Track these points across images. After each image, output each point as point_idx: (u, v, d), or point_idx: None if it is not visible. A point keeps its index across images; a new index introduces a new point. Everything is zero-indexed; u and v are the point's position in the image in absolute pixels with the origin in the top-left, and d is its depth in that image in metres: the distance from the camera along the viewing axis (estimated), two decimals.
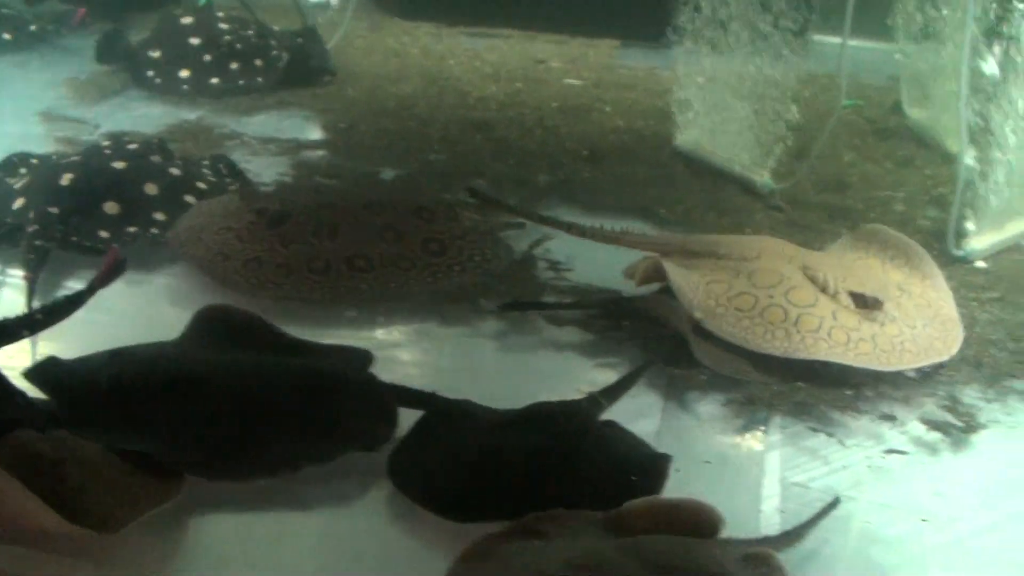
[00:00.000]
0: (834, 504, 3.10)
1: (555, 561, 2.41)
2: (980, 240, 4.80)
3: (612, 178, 5.42)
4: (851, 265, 3.96)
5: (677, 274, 3.76)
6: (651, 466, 3.08)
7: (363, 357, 3.51)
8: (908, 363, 3.55)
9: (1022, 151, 4.78)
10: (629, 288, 4.27)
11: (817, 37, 7.84)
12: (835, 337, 3.52)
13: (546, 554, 2.47)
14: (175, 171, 4.67)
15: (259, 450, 2.93)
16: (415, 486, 2.92)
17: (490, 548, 2.57)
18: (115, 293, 3.68)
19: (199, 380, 3.06)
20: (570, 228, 4.40)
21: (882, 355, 3.52)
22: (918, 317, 3.73)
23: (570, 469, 2.96)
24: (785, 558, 2.91)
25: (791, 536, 2.92)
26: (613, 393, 3.52)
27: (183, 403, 2.98)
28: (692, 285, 3.72)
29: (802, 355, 3.51)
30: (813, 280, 3.71)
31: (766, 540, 2.85)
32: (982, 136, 4.75)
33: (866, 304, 3.62)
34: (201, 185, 4.67)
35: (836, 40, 8.15)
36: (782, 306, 3.60)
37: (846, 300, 3.65)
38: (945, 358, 3.65)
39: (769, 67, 5.38)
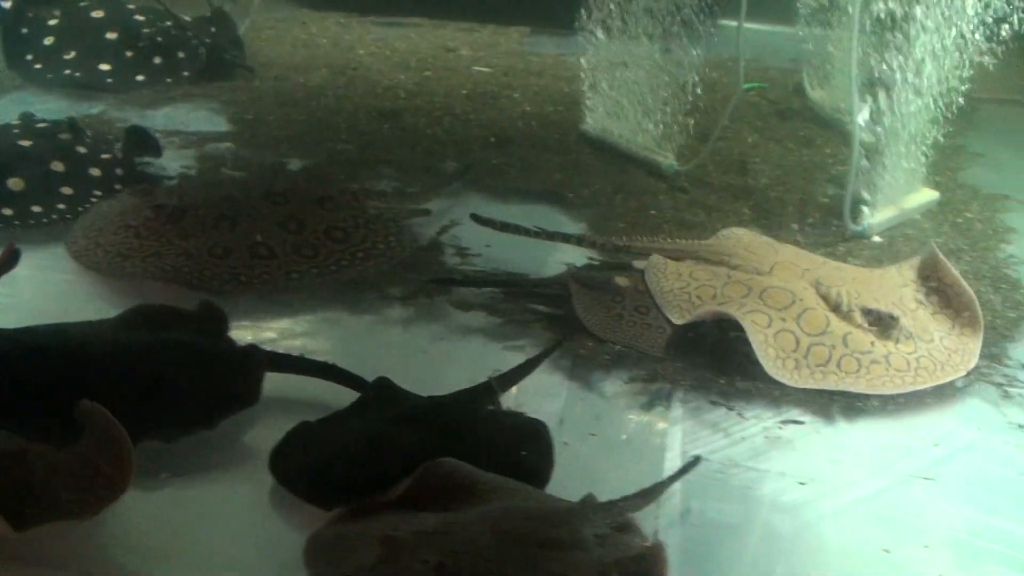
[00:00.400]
0: (694, 463, 3.18)
1: (409, 524, 2.47)
2: (877, 216, 4.95)
3: (519, 163, 5.45)
4: (866, 275, 3.90)
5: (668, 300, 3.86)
6: (532, 452, 3.11)
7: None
8: (924, 382, 3.49)
9: (914, 130, 4.95)
10: (536, 272, 4.33)
11: (724, 22, 8.04)
12: (845, 367, 3.48)
13: (403, 518, 2.54)
14: (82, 149, 4.62)
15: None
16: (293, 478, 2.92)
17: (355, 514, 2.69)
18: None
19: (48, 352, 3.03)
20: (580, 241, 4.41)
21: (896, 376, 3.46)
22: (936, 329, 3.67)
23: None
24: (682, 527, 3.02)
25: (648, 494, 2.96)
26: (511, 379, 3.53)
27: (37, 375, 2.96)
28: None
29: (811, 386, 3.49)
30: (826, 298, 3.68)
31: (624, 500, 2.88)
32: (876, 115, 4.88)
33: (880, 321, 3.57)
34: (107, 157, 4.66)
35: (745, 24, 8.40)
36: (793, 333, 3.56)
37: (859, 319, 3.60)
38: (962, 373, 3.57)
39: (674, 52, 5.45)
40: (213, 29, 6.73)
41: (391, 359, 3.74)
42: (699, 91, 5.34)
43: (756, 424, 3.54)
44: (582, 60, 5.82)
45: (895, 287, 3.82)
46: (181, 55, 6.43)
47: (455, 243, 4.57)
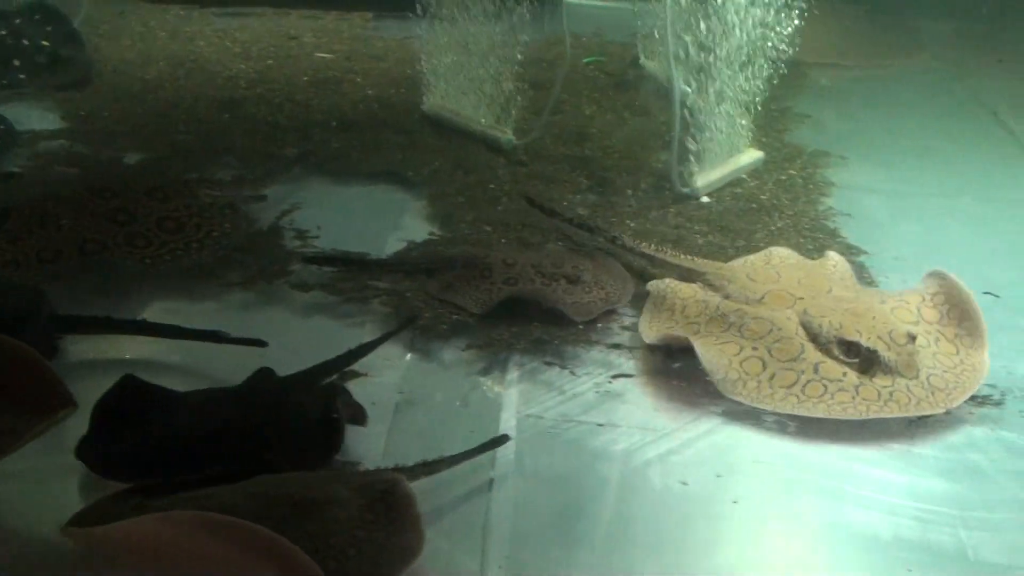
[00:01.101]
0: (500, 441, 3.25)
1: (178, 502, 2.56)
2: (704, 177, 5.16)
3: (361, 146, 5.50)
4: (865, 305, 3.69)
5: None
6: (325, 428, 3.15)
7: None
8: (890, 413, 3.33)
9: (739, 94, 5.18)
10: (378, 252, 4.40)
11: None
12: (809, 391, 3.38)
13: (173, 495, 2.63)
14: None
15: None
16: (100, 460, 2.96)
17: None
18: None
19: None
20: (613, 240, 4.40)
21: (861, 404, 3.33)
22: (929, 367, 3.48)
23: (252, 442, 3.03)
24: (516, 481, 3.14)
25: (430, 466, 3.04)
26: (344, 362, 3.58)
27: None
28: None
29: (768, 407, 3.40)
30: (808, 327, 3.58)
31: (407, 469, 2.96)
32: (699, 81, 5.09)
33: (859, 354, 3.45)
34: None
35: (587, 1, 8.62)
36: (763, 359, 3.49)
37: (836, 351, 3.48)
38: (939, 411, 3.37)
39: (511, 31, 5.56)
40: (38, 17, 6.48)
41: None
42: (536, 67, 5.46)
43: (588, 381, 3.69)
44: (423, 42, 5.89)
45: (889, 318, 3.61)
46: (16, 63, 6.21)
47: (295, 227, 4.60)
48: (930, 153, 6.01)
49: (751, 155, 5.51)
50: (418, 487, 2.86)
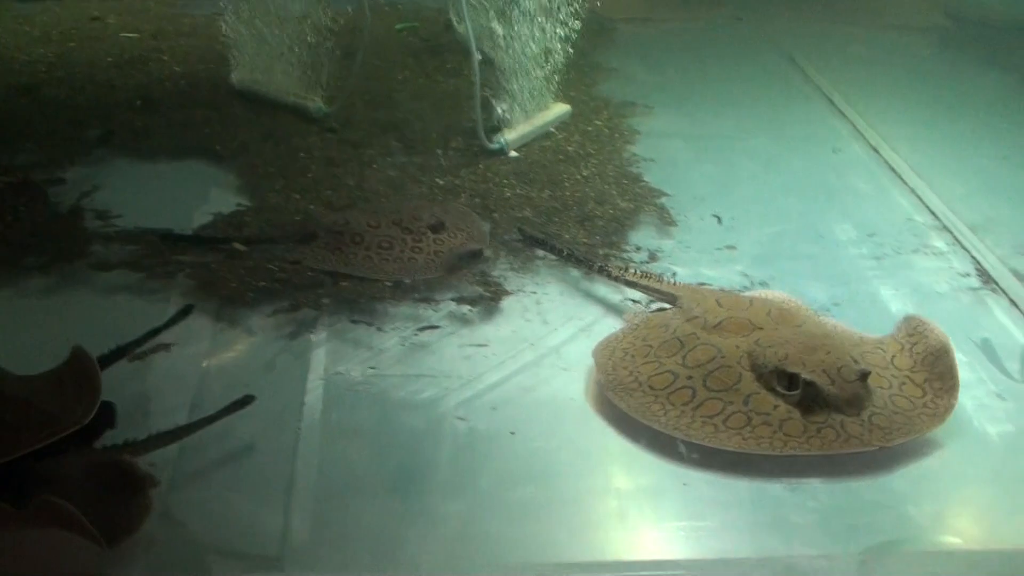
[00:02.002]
0: (245, 401, 3.17)
1: None
2: (512, 133, 5.27)
3: (167, 123, 5.40)
4: (823, 343, 3.34)
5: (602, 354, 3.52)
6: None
7: None
8: (810, 449, 3.06)
9: (546, 50, 5.30)
10: (183, 227, 4.34)
11: None
12: (731, 423, 3.13)
13: None
14: None
15: None
16: None
17: None
18: None
19: None
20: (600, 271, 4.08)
21: (779, 440, 3.08)
22: (879, 406, 3.20)
23: None
24: (321, 437, 3.18)
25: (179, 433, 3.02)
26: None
27: None
28: (611, 364, 3.46)
29: (681, 435, 3.15)
30: (752, 357, 3.31)
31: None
32: (504, 39, 5.18)
33: (796, 386, 3.16)
34: None
35: None
36: (693, 388, 3.28)
37: (776, 382, 3.21)
38: (869, 448, 3.07)
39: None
40: None
41: (34, 330, 3.69)
42: (356, 35, 5.45)
43: (395, 335, 3.75)
44: (229, 14, 5.81)
45: (847, 355, 3.28)
46: None
47: (95, 208, 4.50)
48: (730, 99, 6.28)
49: (559, 109, 5.64)
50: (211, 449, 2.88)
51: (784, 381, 3.18)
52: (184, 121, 5.45)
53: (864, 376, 3.18)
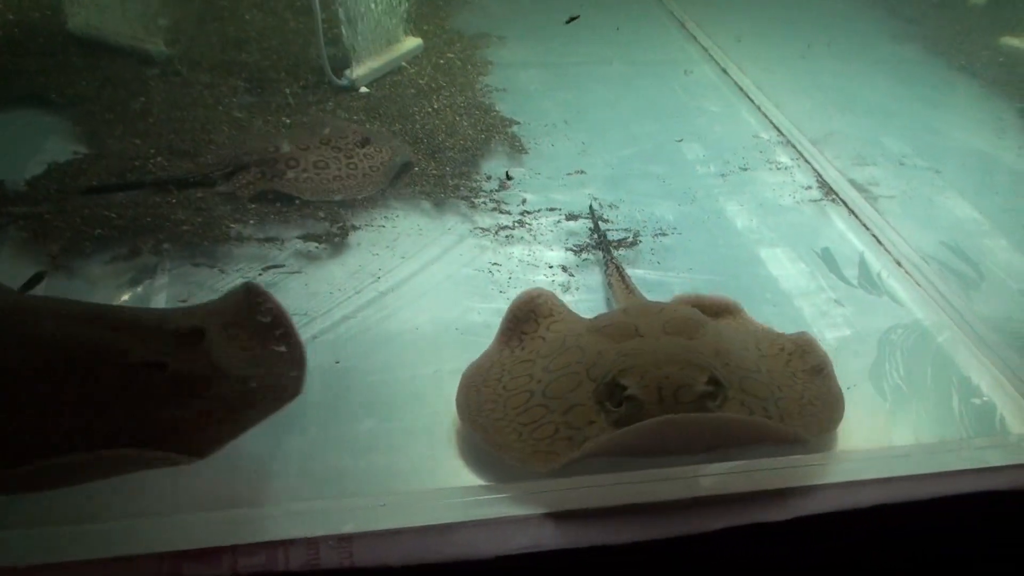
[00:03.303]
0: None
1: None
2: (360, 69, 5.17)
3: None
4: (694, 356, 2.83)
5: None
6: None
7: None
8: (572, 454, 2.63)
9: None
10: (16, 178, 4.15)
11: None
12: (538, 432, 2.74)
13: None
14: None
15: None
16: None
17: None
18: None
19: None
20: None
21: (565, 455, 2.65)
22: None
23: None
24: None
25: None
26: None
27: None
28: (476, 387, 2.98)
29: (481, 437, 2.80)
30: (600, 366, 2.85)
31: None
32: None
33: (620, 402, 2.68)
34: None
35: None
36: (531, 391, 2.91)
37: (604, 395, 2.77)
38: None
39: None
40: None
41: None
42: None
43: (239, 276, 3.66)
44: None
45: (711, 373, 2.76)
46: None
47: None
48: (585, 27, 6.23)
49: (410, 43, 5.56)
50: None
51: (613, 395, 2.72)
52: (17, 70, 5.19)
53: (703, 397, 2.67)
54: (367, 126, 4.63)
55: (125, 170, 4.23)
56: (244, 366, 2.69)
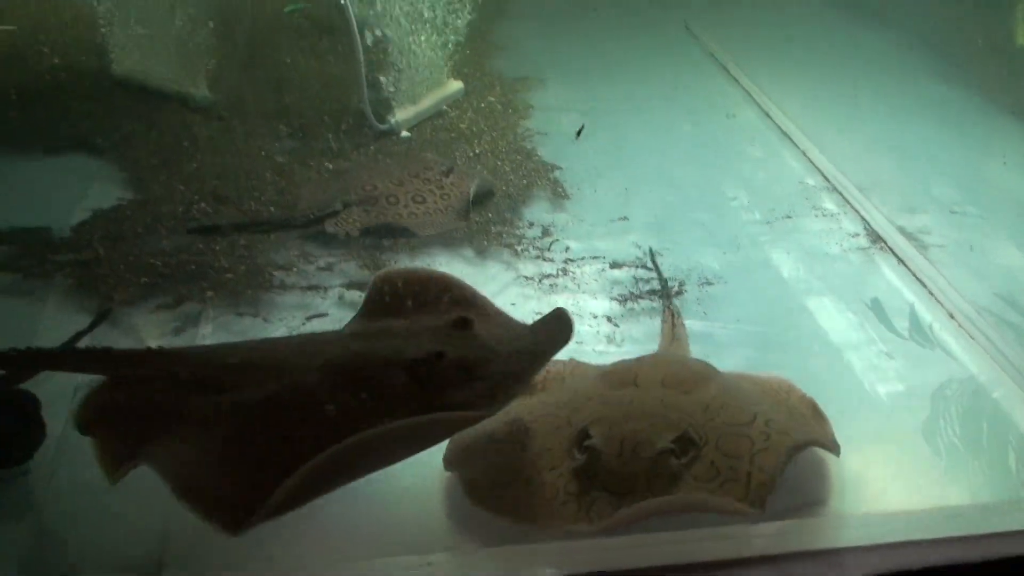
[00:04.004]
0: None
1: None
2: (403, 113, 5.19)
3: (45, 117, 5.19)
4: (670, 410, 2.77)
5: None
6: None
7: None
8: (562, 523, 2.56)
9: (423, 33, 5.22)
10: (63, 225, 4.18)
11: None
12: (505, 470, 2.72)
13: None
14: None
15: None
16: None
17: None
18: None
19: None
20: None
21: (508, 502, 2.63)
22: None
23: None
24: None
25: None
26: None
27: None
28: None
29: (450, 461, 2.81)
30: (580, 412, 2.83)
31: None
32: (386, 20, 5.09)
33: (583, 451, 2.61)
34: None
35: None
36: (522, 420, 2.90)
37: (574, 443, 2.70)
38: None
39: None
40: None
41: None
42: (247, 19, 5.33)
43: (282, 326, 3.66)
44: (110, 3, 5.61)
45: (677, 426, 2.69)
46: None
47: None
48: (625, 69, 6.28)
49: (452, 86, 5.58)
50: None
51: (580, 443, 2.66)
52: (64, 114, 5.25)
53: (664, 454, 2.58)
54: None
55: (170, 216, 4.25)
56: (511, 341, 2.82)
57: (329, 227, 4.15)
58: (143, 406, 2.57)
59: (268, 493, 2.20)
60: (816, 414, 3.00)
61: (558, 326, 2.88)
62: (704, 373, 3.01)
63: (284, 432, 2.43)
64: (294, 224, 4.20)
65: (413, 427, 2.42)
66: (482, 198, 4.42)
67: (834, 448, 2.87)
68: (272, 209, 4.33)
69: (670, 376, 2.94)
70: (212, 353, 2.86)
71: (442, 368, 2.57)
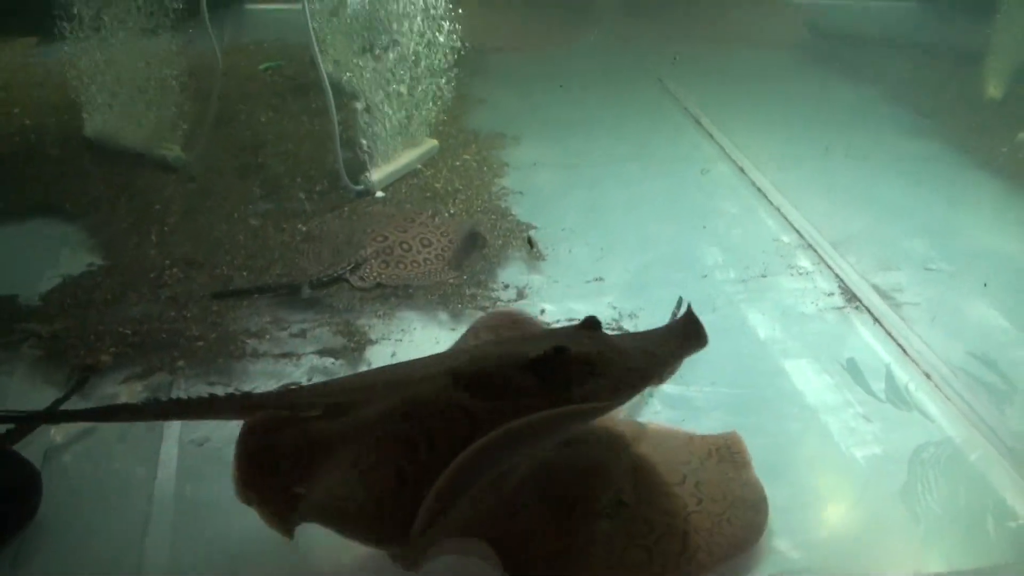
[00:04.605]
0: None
1: None
2: (378, 173, 5.17)
3: (14, 180, 5.15)
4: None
5: None
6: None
7: None
8: None
9: (410, 86, 5.23)
10: (31, 292, 4.13)
11: (250, 7, 8.03)
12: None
13: None
14: None
15: None
16: None
17: None
18: None
19: None
20: None
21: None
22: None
23: None
24: (175, 511, 3.03)
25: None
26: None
27: None
28: None
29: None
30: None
31: None
32: (361, 82, 5.09)
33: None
34: None
35: (269, 6, 8.50)
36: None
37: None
38: None
39: (170, 44, 5.38)
40: None
41: None
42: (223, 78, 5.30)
43: None
44: (79, 64, 5.58)
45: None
46: None
47: None
48: (600, 125, 6.29)
49: (427, 145, 5.57)
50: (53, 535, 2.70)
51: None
52: (33, 176, 5.21)
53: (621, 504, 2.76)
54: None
55: (141, 283, 4.20)
56: (640, 339, 3.01)
57: (355, 281, 4.26)
58: (288, 450, 2.62)
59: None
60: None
61: (691, 328, 3.02)
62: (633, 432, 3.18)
63: (416, 442, 2.49)
64: (316, 283, 4.22)
65: (535, 424, 2.47)
66: (475, 240, 4.59)
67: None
68: (245, 274, 4.30)
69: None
70: (336, 383, 2.96)
71: (563, 363, 2.64)
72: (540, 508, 2.72)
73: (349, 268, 4.28)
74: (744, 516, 2.91)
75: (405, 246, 4.40)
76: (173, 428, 3.45)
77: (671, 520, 2.79)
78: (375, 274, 4.28)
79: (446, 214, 4.82)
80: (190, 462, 3.28)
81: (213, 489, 3.16)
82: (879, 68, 7.45)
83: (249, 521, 2.97)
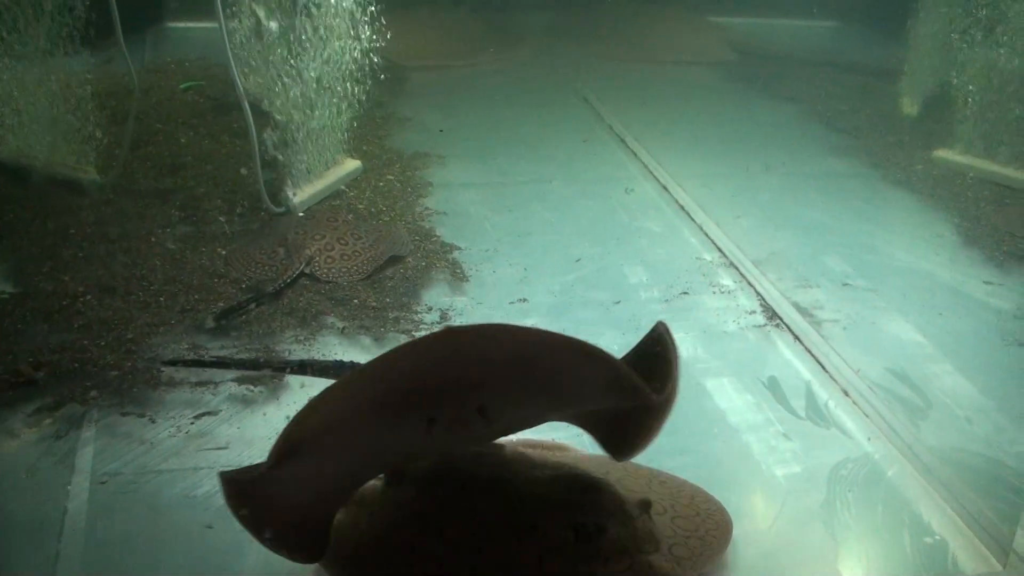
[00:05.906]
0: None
1: None
2: (300, 194, 5.11)
3: None
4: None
5: None
6: None
7: None
8: None
9: (326, 107, 5.18)
10: None
11: (173, 24, 7.90)
12: None
13: None
14: None
15: None
16: None
17: None
18: None
19: None
20: None
21: None
22: (670, 535, 2.80)
23: None
24: (85, 551, 2.94)
25: None
26: None
27: None
28: None
29: None
30: None
31: None
32: (283, 101, 5.03)
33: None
34: None
35: (192, 24, 8.38)
36: None
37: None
38: None
39: (86, 64, 5.26)
40: None
41: None
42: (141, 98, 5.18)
43: (170, 425, 3.52)
44: None
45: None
46: None
47: None
48: (525, 143, 6.31)
49: (350, 165, 5.54)
50: None
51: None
52: None
53: (648, 505, 2.76)
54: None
55: (52, 311, 4.09)
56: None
57: (324, 276, 4.44)
58: None
59: None
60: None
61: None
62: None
63: None
64: (286, 285, 4.36)
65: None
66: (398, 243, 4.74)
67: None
68: (161, 299, 4.20)
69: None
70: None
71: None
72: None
73: (303, 267, 4.44)
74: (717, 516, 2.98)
75: (343, 240, 4.59)
76: (85, 461, 3.35)
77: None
78: (324, 271, 4.44)
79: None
80: (102, 496, 3.18)
81: (125, 524, 3.06)
82: (800, 86, 7.59)
83: (163, 556, 2.94)
